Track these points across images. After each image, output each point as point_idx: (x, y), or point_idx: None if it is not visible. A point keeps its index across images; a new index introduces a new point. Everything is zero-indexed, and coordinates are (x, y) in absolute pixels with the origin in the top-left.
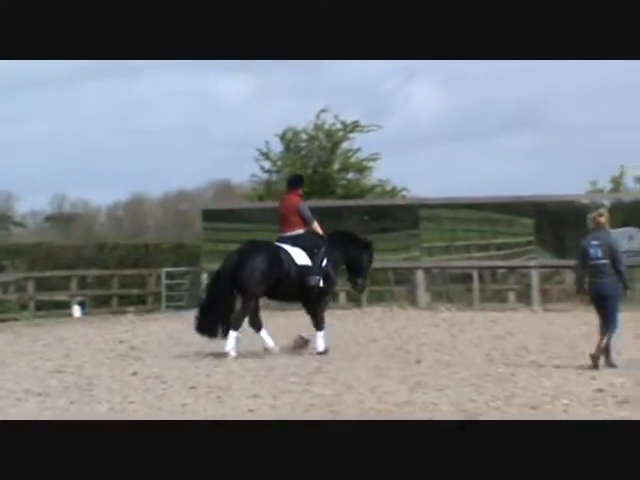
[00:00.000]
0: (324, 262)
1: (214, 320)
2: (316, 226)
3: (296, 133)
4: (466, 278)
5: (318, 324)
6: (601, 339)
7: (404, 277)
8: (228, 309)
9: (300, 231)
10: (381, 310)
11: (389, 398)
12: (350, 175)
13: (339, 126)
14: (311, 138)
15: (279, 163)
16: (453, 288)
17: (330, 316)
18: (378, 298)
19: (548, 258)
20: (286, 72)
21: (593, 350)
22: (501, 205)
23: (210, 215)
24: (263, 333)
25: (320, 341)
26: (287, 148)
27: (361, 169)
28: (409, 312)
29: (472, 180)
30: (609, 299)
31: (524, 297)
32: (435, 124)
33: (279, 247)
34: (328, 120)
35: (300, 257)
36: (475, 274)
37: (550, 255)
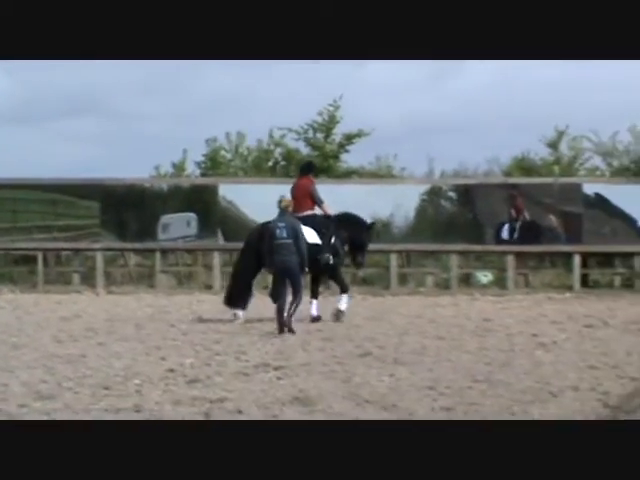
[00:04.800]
0: (332, 240)
1: (242, 292)
2: (326, 207)
3: None
4: (30, 260)
5: (342, 287)
6: (279, 307)
7: None
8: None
9: (311, 212)
10: None
11: None
12: None
13: None
14: None
15: None
16: (17, 270)
17: None
18: None
19: (113, 241)
20: None
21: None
22: (66, 187)
23: None
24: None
25: (343, 302)
26: None
27: None
28: None
29: (36, 162)
30: (294, 274)
31: (88, 279)
32: None
33: None
34: None
35: (311, 236)
36: (39, 256)
37: (115, 238)
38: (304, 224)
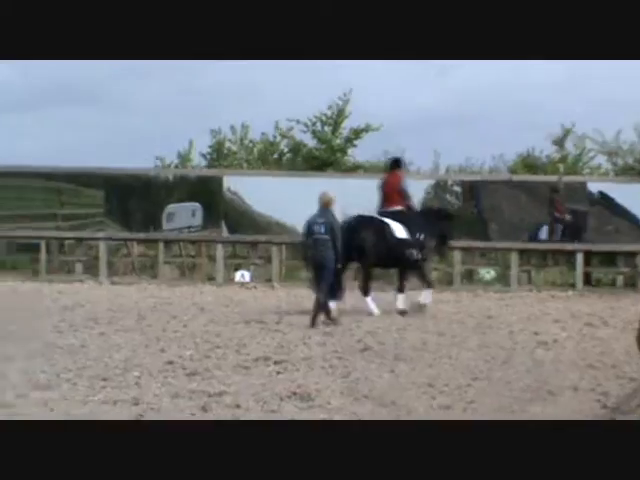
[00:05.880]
0: (420, 235)
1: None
2: (413, 203)
3: None
4: (33, 248)
5: (427, 283)
6: (317, 302)
7: None
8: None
9: (400, 207)
10: None
11: None
12: None
13: None
14: None
15: None
16: (19, 258)
17: None
18: None
19: (116, 230)
20: None
21: (313, 311)
22: (71, 176)
23: None
24: (369, 299)
25: (426, 296)
26: None
27: None
28: None
29: (38, 149)
30: (326, 268)
31: (91, 269)
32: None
33: (384, 221)
34: None
35: (400, 231)
36: (42, 244)
37: (118, 227)
38: (393, 219)
